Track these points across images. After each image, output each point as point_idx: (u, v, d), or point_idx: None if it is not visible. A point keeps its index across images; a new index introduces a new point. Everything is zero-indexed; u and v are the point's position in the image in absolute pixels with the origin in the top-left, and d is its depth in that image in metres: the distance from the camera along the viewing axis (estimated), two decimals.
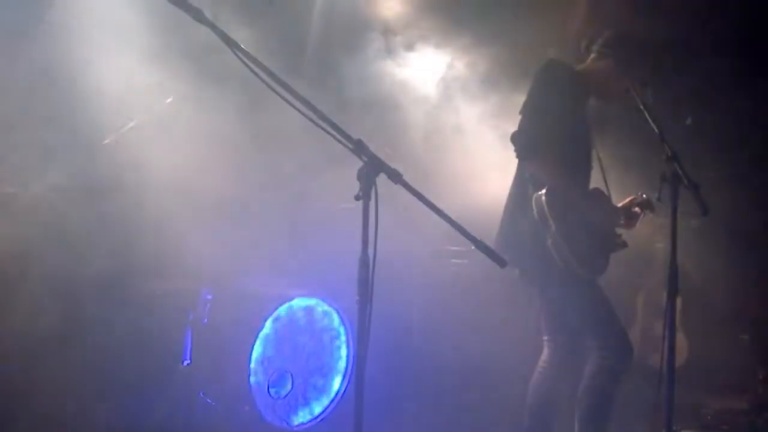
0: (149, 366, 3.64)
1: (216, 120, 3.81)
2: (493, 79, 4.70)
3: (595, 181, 3.38)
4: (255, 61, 2.13)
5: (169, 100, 3.84)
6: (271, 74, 2.13)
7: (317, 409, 3.98)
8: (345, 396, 4.03)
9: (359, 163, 2.15)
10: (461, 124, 4.77)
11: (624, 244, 3.30)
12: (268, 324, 3.77)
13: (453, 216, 2.24)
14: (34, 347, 3.34)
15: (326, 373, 4.03)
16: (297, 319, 3.93)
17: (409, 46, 4.81)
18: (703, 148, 4.92)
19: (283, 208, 4.25)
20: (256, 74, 2.13)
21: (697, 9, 4.95)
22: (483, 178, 4.38)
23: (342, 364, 4.09)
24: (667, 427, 2.77)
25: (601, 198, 3.30)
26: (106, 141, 3.73)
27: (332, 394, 4.04)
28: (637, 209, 3.40)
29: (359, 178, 2.14)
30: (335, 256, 3.58)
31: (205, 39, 2.19)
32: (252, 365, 3.67)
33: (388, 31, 4.83)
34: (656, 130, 2.88)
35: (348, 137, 2.16)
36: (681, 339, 5.08)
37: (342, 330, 4.10)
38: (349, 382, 4.04)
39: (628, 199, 3.43)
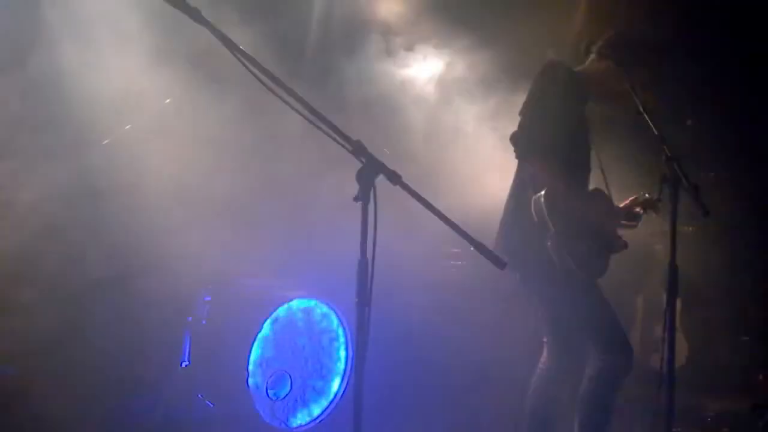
0: (148, 367, 3.64)
1: (215, 121, 3.81)
2: (492, 80, 4.69)
3: (596, 181, 3.38)
4: (254, 62, 2.12)
5: (167, 101, 3.83)
6: (270, 76, 2.12)
7: (316, 411, 3.98)
8: (344, 398, 4.02)
9: (358, 165, 2.15)
10: (461, 125, 4.76)
11: (624, 245, 3.29)
12: (267, 325, 3.77)
13: (452, 217, 2.23)
14: (33, 348, 3.34)
15: (325, 375, 4.03)
16: (296, 320, 3.93)
17: (409, 47, 4.81)
18: (703, 149, 4.92)
19: (282, 210, 4.24)
20: (255, 75, 2.12)
21: (697, 9, 4.95)
22: (482, 179, 4.37)
23: (341, 365, 4.09)
24: (667, 428, 2.77)
25: (602, 199, 3.30)
26: (105, 142, 3.72)
27: (331, 396, 4.04)
28: (638, 209, 3.39)
29: (358, 179, 2.14)
30: (334, 257, 3.57)
31: (205, 40, 2.18)
32: (251, 367, 3.66)
33: (388, 32, 4.83)
34: (656, 132, 2.88)
35: (347, 138, 2.16)
36: (681, 340, 5.07)
37: (341, 331, 4.10)
38: (348, 384, 4.03)
39: (629, 199, 3.42)
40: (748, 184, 5.29)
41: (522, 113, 3.17)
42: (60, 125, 3.55)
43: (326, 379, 4.03)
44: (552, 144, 3.06)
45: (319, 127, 2.15)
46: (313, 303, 4.00)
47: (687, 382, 3.80)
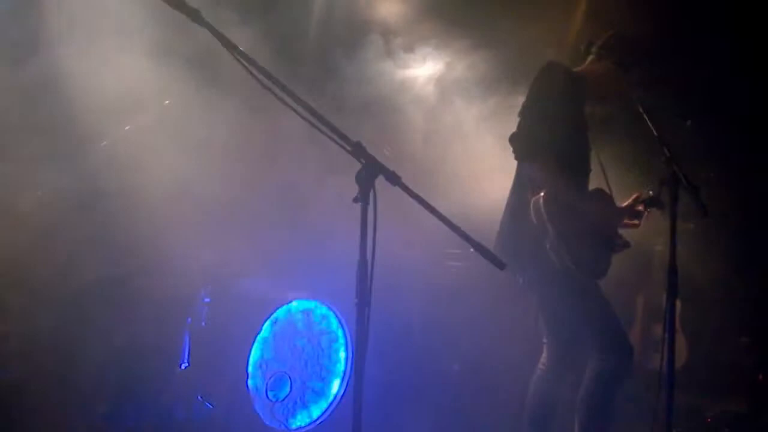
0: (147, 369, 3.63)
1: (214, 122, 3.80)
2: (492, 81, 4.70)
3: (596, 181, 3.37)
4: (253, 63, 2.12)
5: (167, 102, 3.83)
6: (269, 76, 2.12)
7: (316, 413, 3.97)
8: (344, 399, 4.02)
9: (358, 166, 2.15)
10: (460, 126, 4.76)
11: (626, 245, 3.28)
12: (267, 327, 3.76)
13: (452, 218, 2.23)
14: (33, 350, 3.34)
15: (325, 376, 4.02)
16: (295, 321, 3.93)
17: (409, 48, 4.81)
18: (703, 149, 4.91)
19: (282, 210, 4.24)
20: (254, 76, 2.12)
21: (696, 10, 4.95)
22: (482, 179, 4.37)
23: (340, 367, 4.08)
24: (667, 429, 2.77)
25: (603, 199, 3.29)
26: (104, 143, 3.72)
27: (331, 398, 4.03)
28: (641, 207, 3.39)
29: (358, 180, 2.13)
30: (334, 258, 3.57)
31: (205, 41, 2.18)
32: (250, 368, 3.66)
33: (387, 32, 4.83)
34: (655, 132, 2.88)
35: (347, 139, 2.16)
36: (681, 341, 5.06)
37: (340, 333, 4.09)
38: (347, 385, 4.03)
39: (632, 198, 3.41)
40: (748, 184, 5.28)
41: (521, 114, 3.17)
42: (60, 126, 3.54)
43: (326, 381, 4.03)
44: (551, 145, 3.06)
45: (318, 128, 2.15)
46: (312, 304, 3.99)
47: (687, 383, 3.81)
